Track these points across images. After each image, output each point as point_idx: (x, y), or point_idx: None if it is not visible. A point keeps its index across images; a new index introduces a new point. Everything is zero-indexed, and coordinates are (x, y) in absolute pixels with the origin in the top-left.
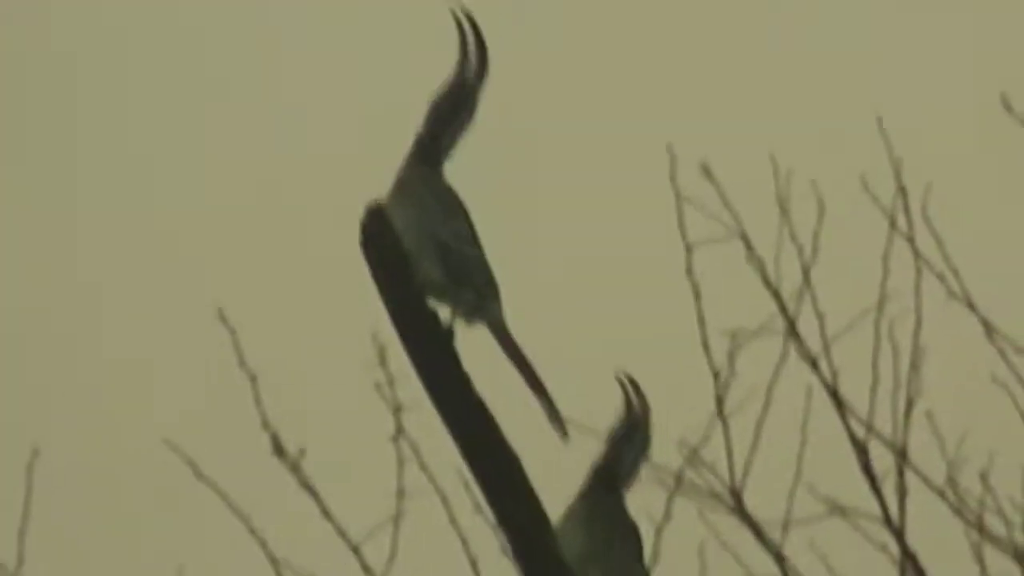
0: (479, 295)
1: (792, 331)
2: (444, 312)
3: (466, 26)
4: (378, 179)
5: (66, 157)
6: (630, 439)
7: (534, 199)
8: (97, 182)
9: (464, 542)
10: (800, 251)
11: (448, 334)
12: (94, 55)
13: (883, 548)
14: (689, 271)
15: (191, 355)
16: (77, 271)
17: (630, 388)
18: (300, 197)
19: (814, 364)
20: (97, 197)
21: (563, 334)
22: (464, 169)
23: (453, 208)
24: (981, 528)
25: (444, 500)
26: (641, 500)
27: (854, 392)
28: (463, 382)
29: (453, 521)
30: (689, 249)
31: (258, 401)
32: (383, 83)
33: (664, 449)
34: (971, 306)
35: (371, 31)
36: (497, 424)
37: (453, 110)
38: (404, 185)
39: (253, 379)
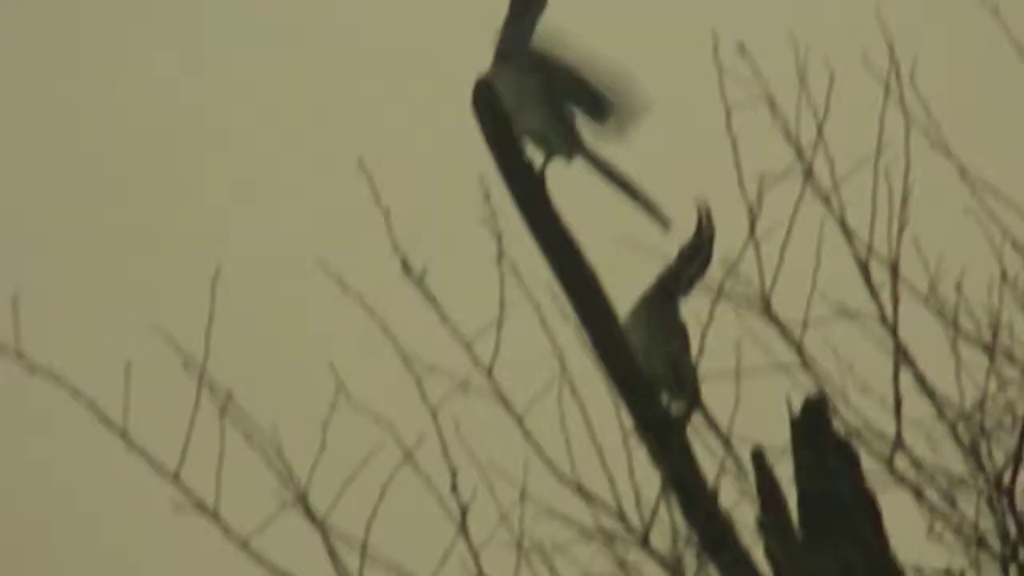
0: (572, 136)
1: (808, 174)
2: (539, 158)
3: None
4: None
5: None
6: (692, 258)
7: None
8: None
9: (552, 340)
10: (815, 112)
11: (541, 176)
12: None
13: (880, 343)
14: (728, 128)
15: (336, 196)
16: None
17: (704, 216)
18: (425, 73)
19: (826, 200)
20: None
21: (641, 178)
22: None
23: (548, 67)
24: (956, 326)
25: (537, 308)
26: (690, 305)
27: (858, 221)
28: (552, 214)
29: (544, 324)
30: (728, 111)
31: (390, 230)
32: None
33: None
34: (948, 153)
35: None
36: (579, 247)
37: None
38: (501, 53)
39: (386, 213)
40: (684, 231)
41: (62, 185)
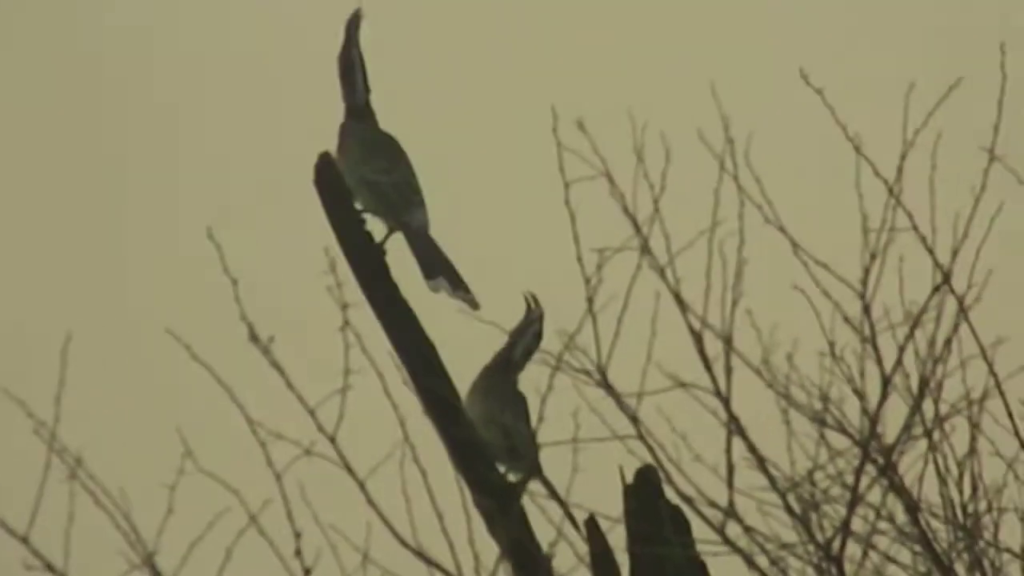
0: (400, 211)
1: (645, 248)
2: (378, 231)
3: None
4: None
5: None
6: (524, 334)
7: (451, 150)
8: None
9: (395, 407)
10: (651, 187)
11: (380, 249)
12: None
13: (714, 413)
14: (567, 202)
15: (187, 265)
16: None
17: (531, 299)
18: (271, 152)
19: (662, 273)
20: None
21: (479, 252)
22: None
23: (376, 149)
24: (788, 397)
25: (380, 376)
26: (529, 377)
27: (692, 294)
28: (391, 287)
29: (387, 393)
30: (567, 185)
31: (237, 300)
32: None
33: (548, 337)
34: (781, 229)
35: None
36: (417, 318)
37: (349, 67)
38: (342, 137)
39: (234, 282)
40: (518, 305)
41: None
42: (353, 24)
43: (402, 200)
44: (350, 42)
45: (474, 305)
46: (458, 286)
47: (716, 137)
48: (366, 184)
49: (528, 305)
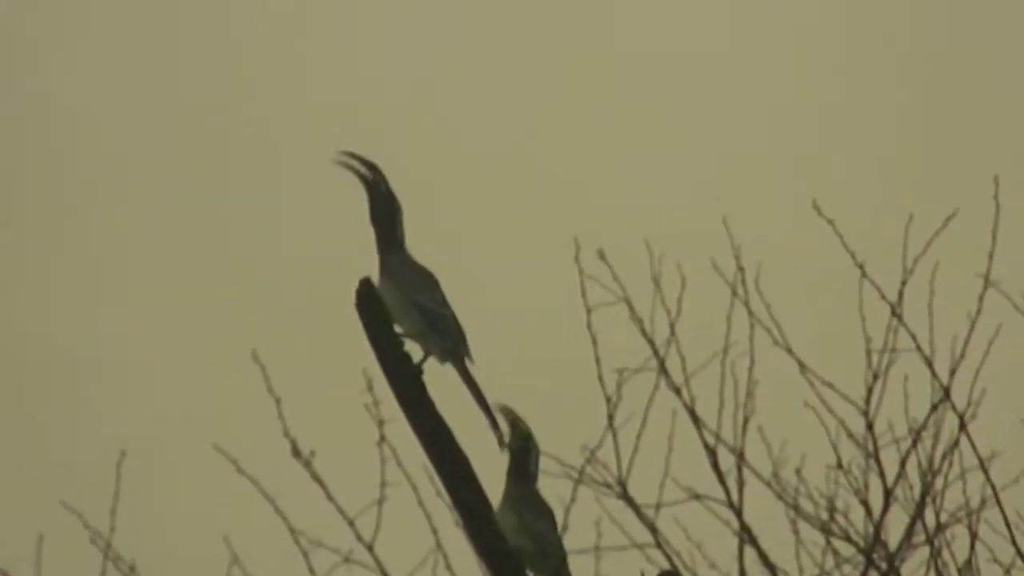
0: (452, 343)
1: (662, 369)
2: (416, 354)
3: (355, 164)
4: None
5: None
6: (529, 449)
7: (479, 279)
8: None
9: (429, 518)
10: (668, 312)
11: (418, 370)
12: None
13: (726, 523)
14: (589, 326)
15: (232, 385)
16: None
17: (513, 417)
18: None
19: (678, 392)
20: None
21: (506, 376)
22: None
23: (429, 281)
24: (797, 508)
25: (414, 488)
26: (554, 489)
27: (706, 412)
28: (428, 404)
29: (421, 503)
30: (588, 311)
31: (281, 417)
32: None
33: (572, 453)
34: (789, 351)
35: None
36: (452, 434)
37: (388, 214)
38: (384, 269)
39: (278, 401)
40: (543, 427)
41: None
42: (359, 170)
43: (459, 333)
44: (378, 185)
45: (502, 446)
46: (495, 427)
47: (728, 266)
48: (421, 311)
49: (512, 423)
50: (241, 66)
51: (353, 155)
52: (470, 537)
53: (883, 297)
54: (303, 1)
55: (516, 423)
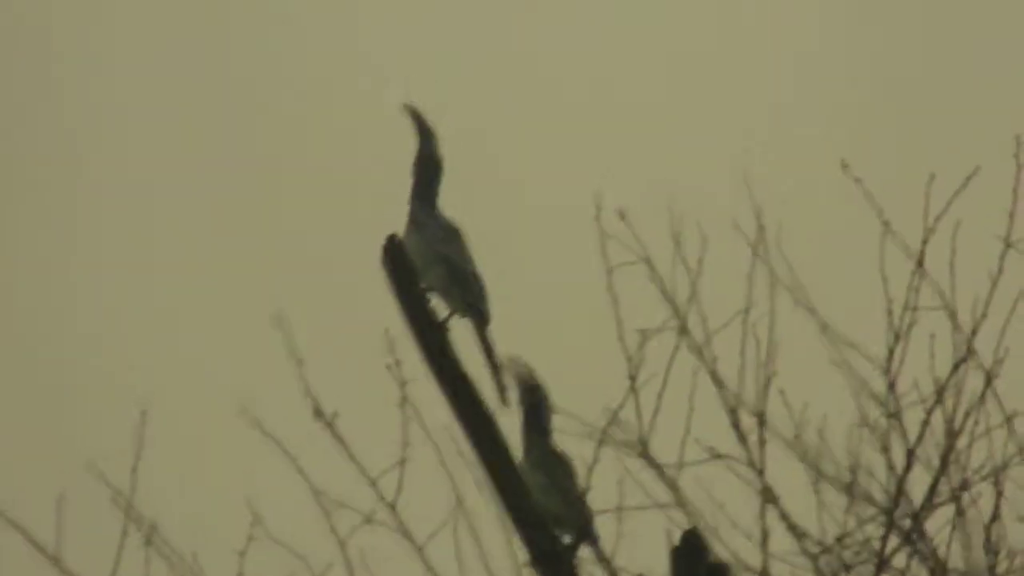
0: (473, 298)
1: (683, 329)
2: (441, 310)
3: (417, 117)
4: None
5: None
6: (542, 402)
7: (501, 241)
8: None
9: (451, 478)
10: (689, 272)
11: (444, 326)
12: None
13: (748, 483)
14: (610, 287)
15: (255, 348)
16: None
17: (521, 367)
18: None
19: (699, 352)
20: None
21: (527, 334)
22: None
23: (455, 236)
24: (818, 469)
25: (437, 448)
26: (576, 449)
27: (728, 372)
28: (454, 361)
29: (443, 463)
30: (610, 271)
31: (303, 379)
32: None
33: (593, 413)
34: (811, 310)
35: None
36: (477, 391)
37: (430, 171)
38: (414, 220)
39: (300, 362)
40: (562, 385)
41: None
42: (419, 121)
43: (480, 289)
44: (431, 143)
45: (505, 403)
46: (501, 388)
47: (750, 226)
48: (446, 263)
49: (525, 374)
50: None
51: (416, 109)
52: (493, 496)
53: (906, 252)
54: None
55: (527, 376)
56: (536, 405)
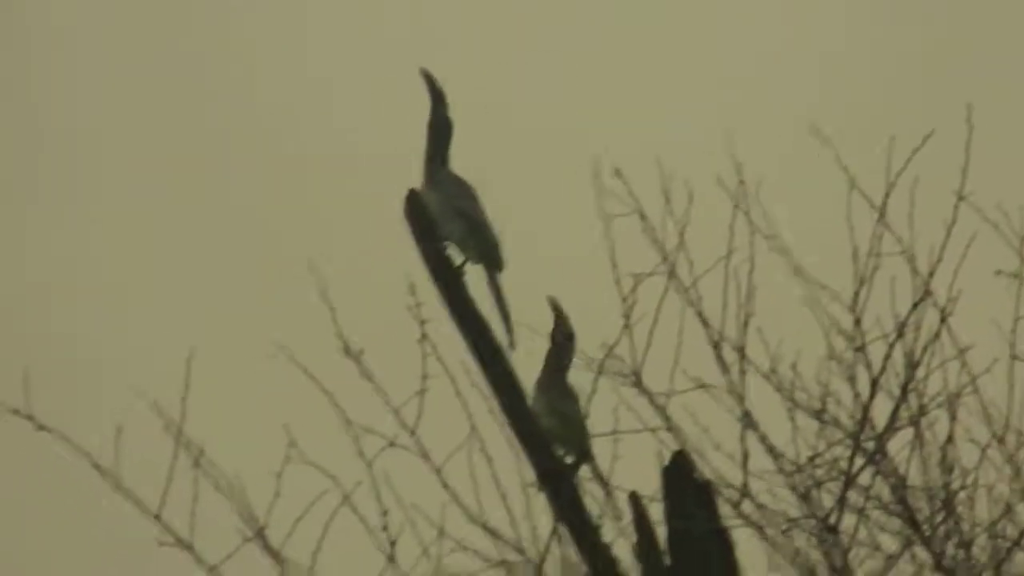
0: (488, 248)
1: (672, 273)
2: (457, 257)
3: (430, 82)
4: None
5: None
6: (568, 339)
7: (508, 196)
8: None
9: (465, 406)
10: (677, 222)
11: (460, 271)
12: None
13: (729, 410)
14: (607, 235)
15: (293, 291)
16: None
17: (557, 309)
18: (361, 194)
19: (686, 293)
20: None
21: (532, 279)
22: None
23: (469, 191)
24: (792, 398)
25: (452, 380)
26: (576, 380)
27: (712, 311)
28: (470, 301)
29: (459, 393)
30: (607, 222)
31: (334, 320)
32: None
33: (592, 348)
34: (786, 256)
35: None
36: (490, 328)
37: (441, 133)
38: (430, 178)
39: (332, 309)
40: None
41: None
42: (432, 85)
43: (494, 239)
44: (442, 106)
45: (512, 346)
46: (509, 331)
47: (732, 181)
48: (462, 216)
49: (556, 314)
50: None
51: (429, 74)
52: (507, 421)
53: (871, 205)
54: None
55: (563, 320)
56: (562, 345)
